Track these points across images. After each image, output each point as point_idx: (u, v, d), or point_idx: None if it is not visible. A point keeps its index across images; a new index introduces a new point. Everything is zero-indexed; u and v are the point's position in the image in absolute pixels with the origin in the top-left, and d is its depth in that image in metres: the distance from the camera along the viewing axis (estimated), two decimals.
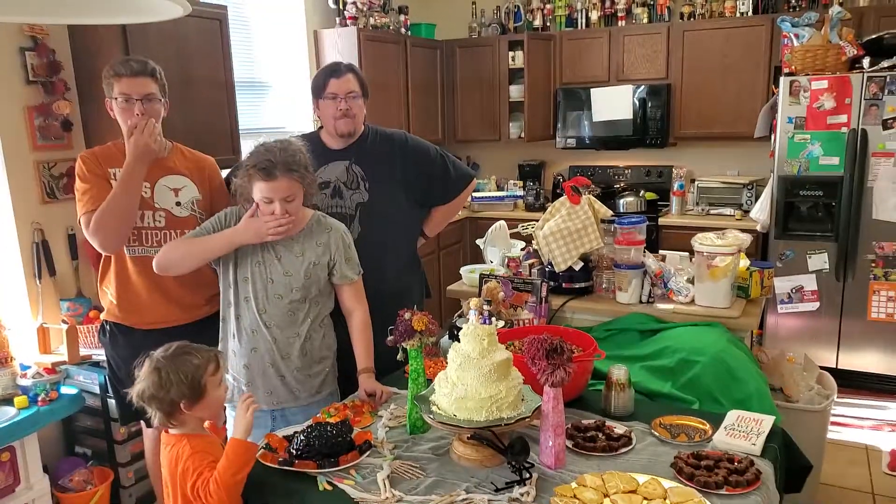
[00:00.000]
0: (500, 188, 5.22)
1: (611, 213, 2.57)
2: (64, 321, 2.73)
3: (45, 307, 2.76)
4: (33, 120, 2.75)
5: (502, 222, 2.96)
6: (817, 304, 3.87)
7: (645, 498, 1.48)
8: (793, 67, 3.75)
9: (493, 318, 1.71)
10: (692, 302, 2.37)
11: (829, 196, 3.76)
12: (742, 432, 1.73)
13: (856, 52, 3.59)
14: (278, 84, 4.25)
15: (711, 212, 4.50)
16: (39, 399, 2.42)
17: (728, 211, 4.46)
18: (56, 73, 2.81)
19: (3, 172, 2.69)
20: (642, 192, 4.47)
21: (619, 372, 1.92)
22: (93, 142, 2.79)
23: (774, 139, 3.91)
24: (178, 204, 2.23)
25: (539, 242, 2.57)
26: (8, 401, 2.42)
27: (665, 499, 1.48)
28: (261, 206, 1.95)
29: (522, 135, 5.08)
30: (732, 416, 1.81)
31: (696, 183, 4.66)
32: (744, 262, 2.45)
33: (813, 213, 3.87)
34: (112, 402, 2.54)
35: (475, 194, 5.07)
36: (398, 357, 1.83)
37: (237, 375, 2.09)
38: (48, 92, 2.79)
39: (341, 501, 1.52)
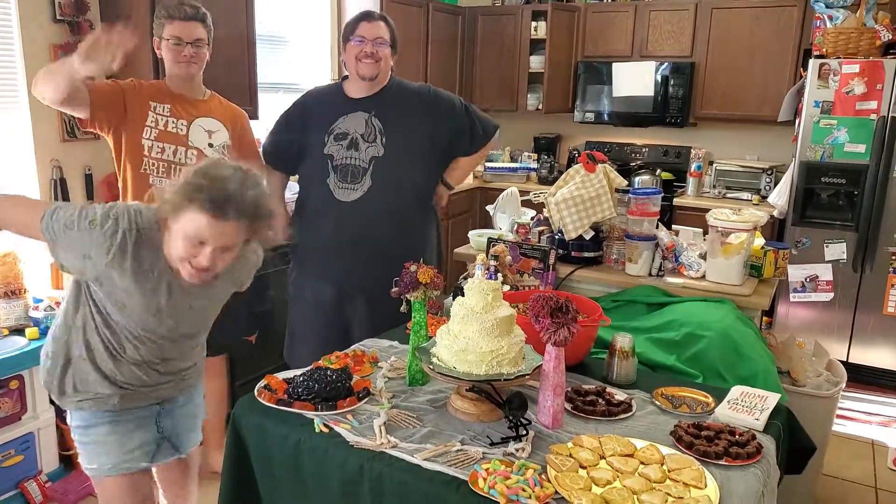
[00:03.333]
0: (513, 160, 5.15)
1: (625, 182, 2.52)
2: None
3: None
4: (58, 58, 2.72)
5: (514, 189, 2.92)
6: (831, 295, 3.81)
7: (642, 462, 1.46)
8: (824, 50, 3.65)
9: (499, 275, 1.68)
10: (703, 277, 2.33)
11: (852, 184, 3.68)
12: (746, 407, 1.71)
13: (891, 37, 3.49)
14: (298, 40, 4.19)
15: (728, 195, 4.43)
16: (49, 330, 2.43)
17: (745, 195, 4.39)
18: (82, 13, 2.80)
19: (27, 109, 2.69)
20: (658, 170, 4.44)
21: (623, 339, 1.89)
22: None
23: (799, 123, 3.82)
24: (210, 146, 2.31)
25: (550, 209, 2.53)
26: (20, 331, 2.47)
27: (662, 464, 1.46)
28: (182, 245, 1.45)
29: (540, 106, 5.00)
30: (736, 390, 1.78)
31: (715, 165, 4.58)
32: (758, 241, 2.40)
33: (834, 202, 3.79)
34: None
35: (488, 164, 5.02)
36: (401, 309, 1.81)
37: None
38: (74, 31, 2.78)
39: (337, 444, 1.51)
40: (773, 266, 2.39)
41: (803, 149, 3.77)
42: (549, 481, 1.37)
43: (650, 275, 2.39)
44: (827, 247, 3.81)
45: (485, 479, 1.36)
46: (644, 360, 2.02)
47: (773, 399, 1.74)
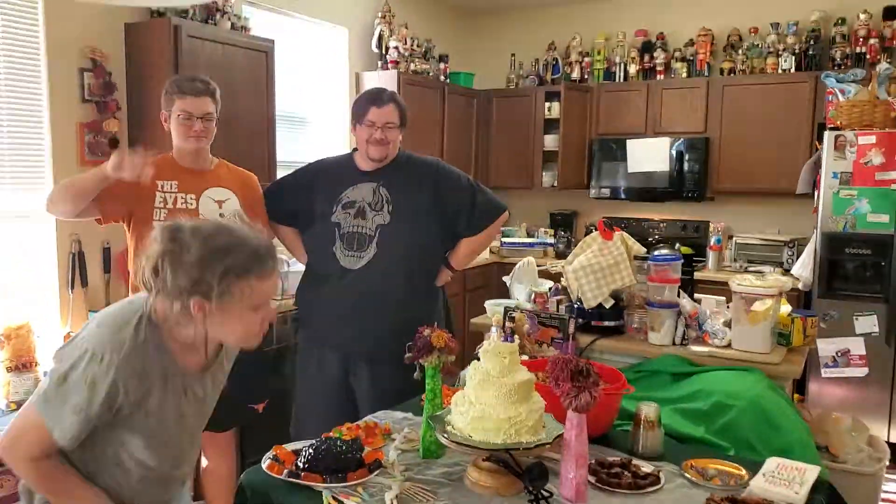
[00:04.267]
0: (530, 235, 5.16)
1: (644, 250, 2.49)
2: None
3: (73, 316, 2.80)
4: (84, 136, 2.84)
5: (531, 258, 2.89)
6: (866, 370, 3.65)
7: None
8: (838, 122, 3.67)
9: (516, 337, 1.62)
10: (729, 346, 2.25)
11: (879, 255, 3.60)
12: (783, 480, 1.59)
13: None
14: (317, 120, 4.33)
15: (750, 269, 4.36)
16: None
17: (768, 269, 4.31)
18: (110, 94, 2.93)
19: (52, 184, 2.76)
20: (677, 244, 4.40)
21: (648, 409, 1.80)
22: None
23: (818, 195, 3.80)
24: (221, 215, 2.28)
25: (568, 277, 2.49)
26: None
27: None
28: (250, 317, 1.34)
29: (555, 183, 5.05)
30: (772, 462, 1.67)
31: (735, 239, 4.54)
32: (785, 308, 2.33)
33: (860, 273, 3.71)
34: None
35: (504, 239, 5.02)
36: (415, 375, 1.75)
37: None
38: (100, 110, 2.91)
39: None
40: (802, 334, 2.30)
41: (825, 220, 3.73)
42: None
43: (674, 343, 2.32)
44: (857, 319, 3.69)
45: None
46: (671, 432, 1.91)
47: (812, 472, 1.62)
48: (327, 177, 2.35)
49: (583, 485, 1.52)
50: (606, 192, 4.90)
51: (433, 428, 1.61)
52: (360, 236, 2.24)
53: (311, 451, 1.61)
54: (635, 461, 1.69)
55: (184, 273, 1.28)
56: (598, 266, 2.43)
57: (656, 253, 2.37)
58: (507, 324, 1.64)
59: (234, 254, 1.30)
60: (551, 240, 5.05)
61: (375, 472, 1.59)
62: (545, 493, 1.45)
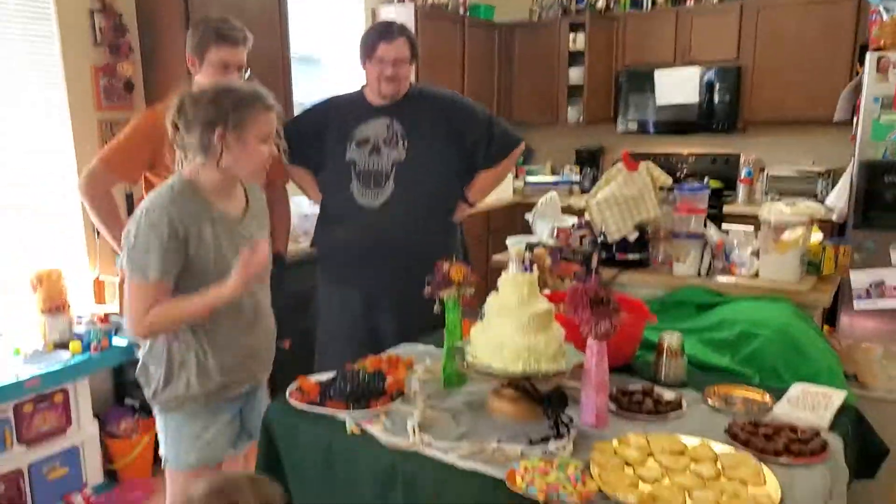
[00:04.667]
0: (555, 173, 5.07)
1: (670, 180, 2.42)
2: (118, 275, 2.79)
3: (101, 261, 2.85)
4: (99, 80, 2.83)
5: (553, 193, 2.85)
6: None
7: (693, 460, 1.36)
8: (882, 43, 3.47)
9: (535, 267, 1.61)
10: (756, 275, 2.20)
11: None
12: (808, 405, 1.58)
13: None
14: (333, 58, 4.25)
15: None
16: (92, 346, 2.52)
17: (801, 201, 4.18)
18: (121, 36, 2.89)
19: (70, 131, 2.79)
20: (707, 178, 4.29)
21: (671, 337, 1.78)
22: (153, 103, 2.85)
23: (857, 122, 3.63)
24: None
25: (592, 210, 2.44)
26: (63, 346, 2.52)
27: (716, 462, 1.35)
28: (261, 148, 1.63)
29: (581, 119, 4.93)
30: (797, 388, 1.66)
31: (766, 171, 4.40)
32: (816, 237, 2.26)
33: None
34: None
35: (529, 178, 4.96)
36: (435, 309, 1.75)
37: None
38: (113, 53, 2.87)
39: (369, 445, 1.46)
40: (834, 262, 2.24)
41: (863, 147, 3.57)
42: (591, 478, 1.28)
43: (699, 275, 2.28)
44: (894, 250, 3.58)
45: (522, 477, 1.28)
46: (695, 362, 1.90)
47: (838, 397, 1.60)
48: (339, 114, 2.31)
49: (603, 411, 1.53)
50: (634, 125, 4.77)
51: (453, 358, 1.62)
52: (377, 174, 2.22)
53: (334, 381, 1.64)
54: (657, 389, 1.69)
55: (203, 110, 1.57)
56: (622, 198, 2.38)
57: (683, 184, 2.31)
58: (527, 254, 1.63)
59: (238, 90, 1.62)
60: (577, 177, 4.96)
61: (398, 401, 1.62)
62: (565, 419, 1.46)
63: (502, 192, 4.73)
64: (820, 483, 1.30)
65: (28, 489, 2.39)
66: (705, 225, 2.30)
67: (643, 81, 4.68)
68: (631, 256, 2.41)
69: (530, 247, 2.35)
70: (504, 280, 1.57)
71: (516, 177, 5.09)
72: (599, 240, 2.45)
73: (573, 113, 4.97)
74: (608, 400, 1.56)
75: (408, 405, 1.62)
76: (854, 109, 3.73)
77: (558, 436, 1.44)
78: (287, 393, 1.65)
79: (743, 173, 4.38)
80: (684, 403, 1.61)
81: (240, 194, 1.77)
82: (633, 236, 2.39)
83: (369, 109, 2.27)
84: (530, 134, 5.38)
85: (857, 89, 3.65)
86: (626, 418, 1.56)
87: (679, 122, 4.61)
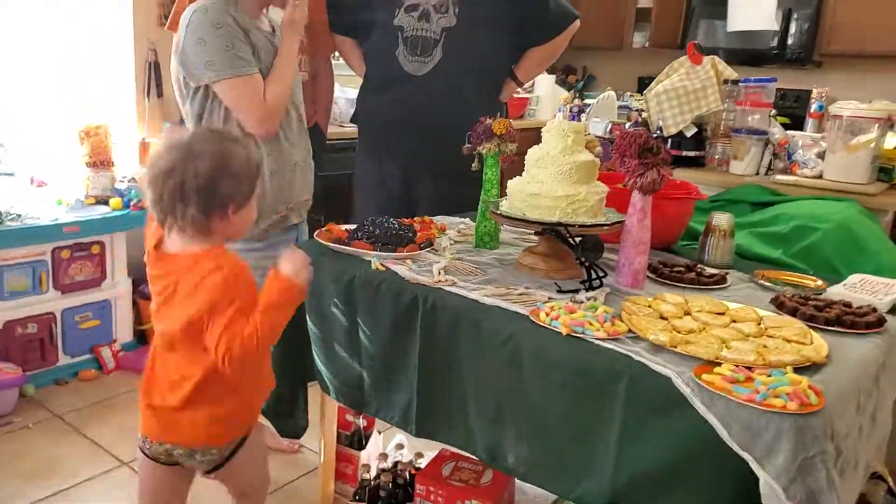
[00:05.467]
0: (616, 100, 4.86)
1: (735, 74, 2.26)
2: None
3: (149, 125, 2.86)
4: None
5: (611, 92, 2.70)
6: None
7: (734, 320, 1.26)
8: None
9: (584, 117, 1.51)
10: (820, 176, 2.05)
11: None
12: (866, 290, 1.46)
13: None
14: None
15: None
16: (132, 203, 2.54)
17: None
18: None
19: None
20: (774, 112, 4.05)
21: (721, 217, 1.67)
22: None
23: None
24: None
25: (649, 102, 2.31)
26: (104, 201, 2.55)
27: (759, 323, 1.25)
28: None
29: (647, 43, 4.69)
30: (856, 277, 1.53)
31: (831, 110, 4.10)
32: (891, 142, 2.09)
33: None
34: None
35: (588, 102, 4.76)
36: (473, 165, 1.67)
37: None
38: None
39: (392, 279, 1.41)
40: None
41: None
42: (621, 321, 1.21)
43: (757, 174, 2.14)
44: None
45: (547, 314, 1.21)
46: (745, 254, 1.78)
47: None
48: None
49: (641, 272, 1.44)
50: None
51: (488, 214, 1.55)
52: (425, 40, 2.11)
53: (364, 225, 1.59)
54: (701, 266, 1.59)
55: None
56: (682, 90, 2.23)
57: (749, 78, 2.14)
58: (576, 102, 1.52)
59: None
60: (641, 106, 4.74)
61: (426, 249, 1.56)
62: (599, 271, 1.38)
63: (556, 110, 4.56)
64: (873, 351, 1.20)
65: (60, 334, 2.45)
66: (769, 123, 2.15)
67: (717, 5, 4.39)
68: (686, 153, 2.28)
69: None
70: (549, 127, 1.48)
71: (574, 100, 4.90)
72: (655, 135, 2.32)
73: (639, 38, 4.74)
74: (647, 264, 1.47)
75: (436, 256, 1.57)
76: None
77: (590, 288, 1.37)
78: (315, 233, 1.61)
79: (814, 107, 4.10)
80: (729, 279, 1.51)
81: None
82: (690, 131, 2.25)
83: None
84: (591, 59, 5.17)
85: None
86: (666, 286, 1.47)
87: (751, 52, 4.33)
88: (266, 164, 1.77)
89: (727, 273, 1.54)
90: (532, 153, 1.50)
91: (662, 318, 1.26)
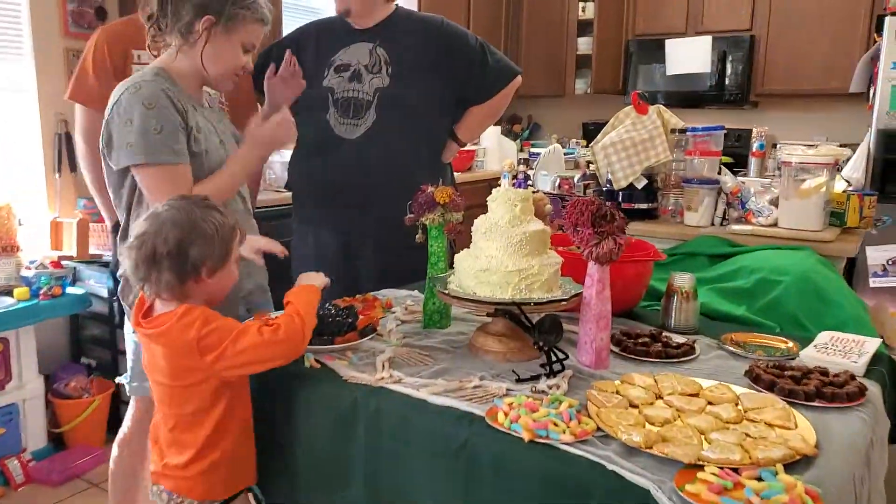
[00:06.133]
0: (562, 146, 4.87)
1: (682, 123, 2.22)
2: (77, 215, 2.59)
3: (62, 203, 2.64)
4: (66, 4, 2.60)
5: (557, 145, 2.64)
6: None
7: (710, 402, 1.15)
8: None
9: (530, 185, 1.40)
10: (775, 224, 1.99)
11: None
12: (839, 351, 1.37)
13: None
14: None
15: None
16: (41, 292, 2.29)
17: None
18: None
19: (32, 57, 2.57)
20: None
21: (683, 279, 1.58)
22: None
23: (874, 91, 3.44)
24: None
25: (597, 155, 2.24)
26: (7, 292, 2.28)
27: (737, 404, 1.14)
28: (237, 55, 1.56)
29: (589, 90, 4.73)
30: (826, 335, 1.45)
31: (780, 147, 4.18)
32: (840, 185, 2.06)
33: None
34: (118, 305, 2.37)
35: (532, 150, 4.74)
36: (416, 238, 1.55)
37: None
38: None
39: (329, 379, 1.25)
40: (859, 214, 2.04)
41: (881, 116, 3.38)
42: (588, 418, 1.08)
43: (712, 224, 2.08)
44: None
45: (506, 413, 1.07)
46: (708, 313, 1.69)
47: (872, 344, 1.40)
48: (316, 39, 2.09)
49: (604, 349, 1.32)
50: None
51: (435, 290, 1.42)
52: (357, 101, 2.00)
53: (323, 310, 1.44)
54: (666, 333, 1.49)
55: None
56: (629, 142, 2.17)
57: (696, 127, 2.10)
58: (520, 168, 1.42)
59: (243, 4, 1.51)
60: (584, 151, 4.75)
61: (368, 337, 1.42)
62: (559, 354, 1.25)
63: (505, 163, 4.52)
64: (860, 427, 1.10)
65: None
66: (720, 171, 2.10)
67: (654, 51, 4.48)
68: (639, 206, 2.21)
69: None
70: (494, 196, 1.37)
71: (521, 150, 4.89)
72: (605, 189, 2.25)
73: (581, 84, 4.80)
74: (610, 339, 1.36)
75: (380, 343, 1.42)
76: (871, 80, 3.55)
77: (550, 374, 1.24)
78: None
79: (755, 146, 4.16)
80: (697, 348, 1.41)
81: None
82: (641, 183, 2.18)
83: (351, 33, 2.05)
84: (536, 107, 5.20)
85: (875, 58, 3.47)
86: (631, 360, 1.36)
87: (690, 95, 4.40)
88: None
89: (695, 341, 1.44)
90: (479, 224, 1.38)
91: (632, 405, 1.14)
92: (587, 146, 4.77)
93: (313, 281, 1.37)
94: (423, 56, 2.02)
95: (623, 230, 1.29)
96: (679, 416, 1.10)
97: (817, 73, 4.03)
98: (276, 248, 1.56)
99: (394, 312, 1.63)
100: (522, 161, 1.73)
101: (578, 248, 1.33)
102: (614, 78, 4.71)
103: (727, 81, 4.25)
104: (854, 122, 3.94)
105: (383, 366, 1.29)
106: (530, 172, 2.52)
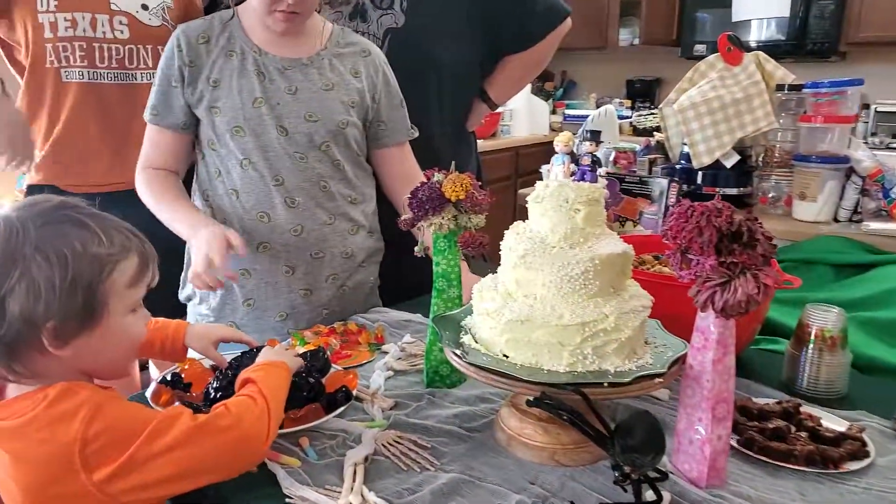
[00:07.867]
0: (600, 107, 4.27)
1: (792, 76, 1.64)
2: None
3: None
4: None
5: (610, 107, 2.08)
6: None
7: None
8: None
9: (598, 175, 0.86)
10: None
11: None
12: None
13: None
14: None
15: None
16: None
17: None
18: None
19: None
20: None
21: (824, 316, 1.03)
22: None
23: None
24: (144, 7, 1.55)
25: (667, 120, 1.69)
26: None
27: None
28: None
29: (635, 41, 4.11)
30: None
31: (874, 108, 3.53)
32: None
33: None
34: None
35: (568, 112, 4.15)
36: (416, 250, 1.02)
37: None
38: None
39: (267, 496, 0.74)
40: None
41: None
42: None
43: (837, 220, 1.52)
44: None
45: None
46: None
47: None
48: None
49: (722, 456, 0.79)
50: (702, 49, 3.90)
51: (442, 338, 0.88)
52: None
53: (229, 372, 0.92)
54: (805, 407, 0.94)
55: None
56: (717, 103, 1.60)
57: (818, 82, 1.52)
58: (586, 146, 0.88)
59: None
60: (628, 112, 4.16)
61: (340, 410, 0.90)
62: (654, 473, 0.72)
63: (534, 126, 3.93)
64: None
65: None
66: (850, 144, 1.52)
67: None
68: (727, 191, 1.64)
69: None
70: (538, 195, 0.82)
71: (553, 112, 4.29)
72: (679, 166, 1.69)
73: (626, 34, 4.20)
74: (730, 433, 0.82)
75: (358, 419, 0.91)
76: None
77: None
78: (149, 389, 0.94)
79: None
80: (869, 443, 0.86)
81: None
82: (731, 160, 1.62)
83: None
84: (571, 60, 4.59)
85: None
86: (761, 466, 0.82)
87: (763, 45, 3.72)
88: None
89: (859, 427, 0.89)
90: (513, 241, 0.84)
91: None
92: (632, 107, 4.16)
93: (283, 358, 0.88)
94: None
95: (769, 261, 0.73)
96: None
97: None
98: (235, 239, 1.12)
99: (385, 354, 1.12)
100: (588, 154, 1.22)
101: (680, 277, 0.78)
102: (667, 26, 4.08)
103: (810, 28, 3.58)
104: None
105: (354, 476, 0.77)
106: (597, 152, 1.80)
